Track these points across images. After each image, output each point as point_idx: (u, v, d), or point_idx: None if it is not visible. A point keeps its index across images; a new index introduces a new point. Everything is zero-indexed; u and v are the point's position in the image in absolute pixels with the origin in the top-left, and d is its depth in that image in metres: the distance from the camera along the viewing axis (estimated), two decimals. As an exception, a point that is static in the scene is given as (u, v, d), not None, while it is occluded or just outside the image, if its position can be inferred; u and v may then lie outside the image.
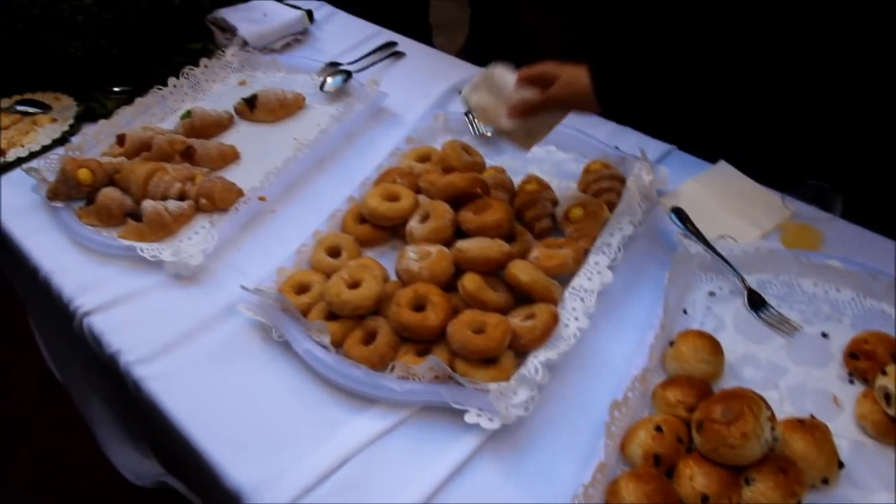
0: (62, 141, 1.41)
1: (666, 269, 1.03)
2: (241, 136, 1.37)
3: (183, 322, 1.05)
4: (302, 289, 1.03)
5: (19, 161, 1.37)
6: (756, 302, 1.01)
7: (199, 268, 1.10)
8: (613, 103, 1.08)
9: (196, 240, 1.15)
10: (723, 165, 1.24)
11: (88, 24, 1.41)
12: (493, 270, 1.00)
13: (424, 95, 1.41)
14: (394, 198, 1.11)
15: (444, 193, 1.08)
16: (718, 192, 1.18)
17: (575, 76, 1.03)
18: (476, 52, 1.88)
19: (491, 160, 1.23)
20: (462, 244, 1.01)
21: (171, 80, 1.46)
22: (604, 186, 1.14)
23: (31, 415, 2.16)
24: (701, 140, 1.31)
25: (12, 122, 1.47)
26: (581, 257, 1.03)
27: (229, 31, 1.60)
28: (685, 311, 1.02)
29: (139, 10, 1.45)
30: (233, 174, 1.27)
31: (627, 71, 1.05)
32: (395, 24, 1.67)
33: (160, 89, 1.45)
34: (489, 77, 1.09)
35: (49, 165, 1.28)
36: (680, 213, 1.11)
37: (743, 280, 1.03)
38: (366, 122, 1.36)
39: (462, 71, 1.48)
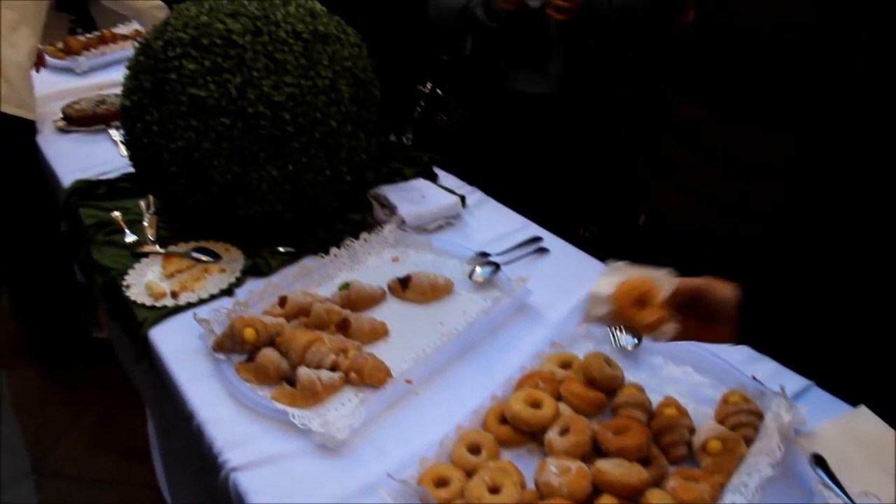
0: (228, 292, 1.55)
1: (802, 516, 1.02)
2: (391, 312, 1.47)
3: (322, 493, 1.11)
4: (441, 482, 1.07)
5: (189, 305, 1.51)
6: (899, 571, 0.98)
7: (343, 441, 1.17)
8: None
9: (342, 411, 1.23)
10: (864, 411, 1.23)
11: (271, 192, 1.57)
12: (631, 496, 1.02)
13: (566, 296, 1.48)
14: (536, 404, 1.16)
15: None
16: (859, 441, 1.17)
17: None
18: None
19: (630, 374, 1.27)
20: (602, 465, 1.04)
21: (333, 250, 1.59)
22: (742, 420, 1.16)
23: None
24: (841, 378, 1.31)
25: (186, 266, 1.62)
26: (717, 493, 1.04)
27: (388, 207, 1.74)
28: (822, 568, 1.00)
29: (315, 184, 1.60)
30: (380, 349, 1.36)
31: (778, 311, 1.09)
32: (542, 217, 1.77)
33: (322, 257, 1.58)
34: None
35: (217, 317, 1.40)
36: (820, 461, 1.10)
37: (885, 544, 1.01)
38: (509, 316, 1.43)
39: (604, 275, 1.55)
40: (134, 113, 1.60)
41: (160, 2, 2.63)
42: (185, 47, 1.53)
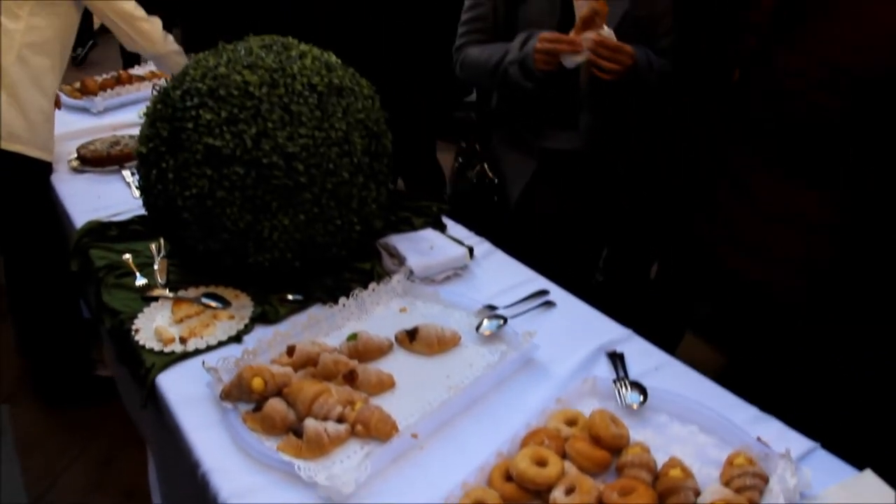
0: (237, 339, 1.56)
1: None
2: (398, 363, 1.48)
3: (326, 549, 1.11)
4: (446, 540, 1.07)
5: (197, 352, 1.52)
6: None
7: (348, 495, 1.17)
8: None
9: (348, 464, 1.23)
10: (869, 476, 1.23)
11: (282, 241, 1.59)
12: (635, 560, 1.02)
13: (572, 351, 1.49)
14: (542, 462, 1.16)
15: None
16: (864, 507, 1.17)
17: None
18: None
19: (635, 432, 1.27)
20: (607, 527, 1.04)
21: (342, 300, 1.60)
22: (747, 483, 1.15)
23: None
24: (848, 439, 1.31)
25: (196, 312, 1.63)
26: (722, 559, 1.04)
27: (397, 257, 1.75)
28: None
29: (326, 233, 1.62)
30: (387, 401, 1.37)
31: None
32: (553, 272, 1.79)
33: (331, 306, 1.60)
34: None
35: (226, 366, 1.41)
36: (825, 527, 1.10)
37: None
38: (515, 370, 1.44)
39: (610, 331, 1.56)
40: (150, 159, 1.63)
41: (180, 48, 2.68)
42: (203, 97, 1.57)
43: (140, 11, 2.51)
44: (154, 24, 2.55)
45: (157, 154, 1.61)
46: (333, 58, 1.74)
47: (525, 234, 2.10)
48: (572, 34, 1.87)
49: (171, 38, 2.64)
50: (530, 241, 2.01)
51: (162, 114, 1.62)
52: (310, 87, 1.60)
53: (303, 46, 1.72)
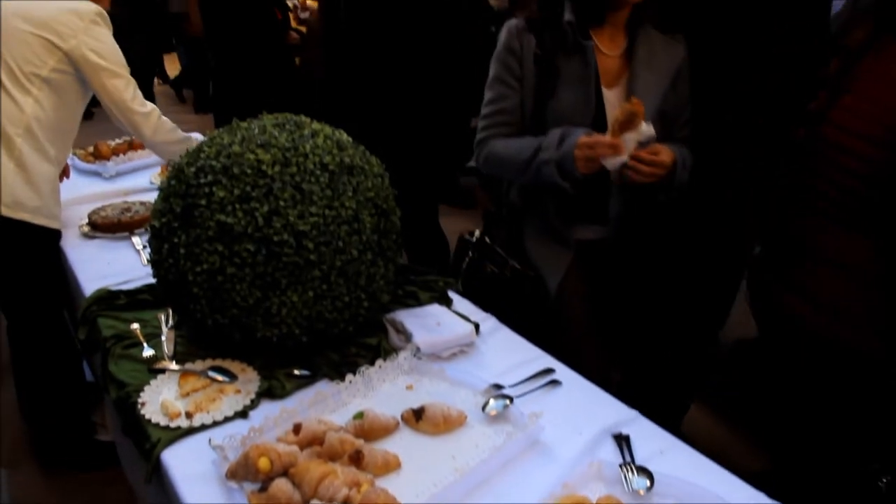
0: (243, 414, 1.56)
1: None
2: (403, 442, 1.47)
3: None
4: None
5: (203, 427, 1.52)
6: None
7: (352, 583, 1.16)
8: None
9: (352, 549, 1.22)
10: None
11: (290, 317, 1.60)
12: None
13: (578, 432, 1.49)
14: (549, 552, 1.16)
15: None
16: None
17: None
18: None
19: (641, 520, 1.27)
20: None
21: (348, 377, 1.61)
22: (755, 576, 1.15)
23: None
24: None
25: (202, 385, 1.64)
26: None
27: (403, 333, 1.76)
28: None
29: (334, 309, 1.64)
30: (392, 482, 1.36)
31: None
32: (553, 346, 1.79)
33: (338, 383, 1.60)
34: None
35: (232, 444, 1.41)
36: None
37: None
38: (521, 451, 1.44)
39: (616, 412, 1.56)
40: (162, 234, 1.66)
41: (178, 136, 2.62)
42: (217, 175, 1.60)
43: (136, 103, 2.45)
44: (147, 119, 2.47)
45: (170, 229, 1.64)
46: (345, 136, 1.77)
47: (564, 326, 2.07)
48: (609, 135, 1.83)
49: (165, 127, 2.56)
50: (568, 333, 2.00)
51: (175, 190, 1.66)
52: (321, 166, 1.63)
53: (315, 125, 1.76)
